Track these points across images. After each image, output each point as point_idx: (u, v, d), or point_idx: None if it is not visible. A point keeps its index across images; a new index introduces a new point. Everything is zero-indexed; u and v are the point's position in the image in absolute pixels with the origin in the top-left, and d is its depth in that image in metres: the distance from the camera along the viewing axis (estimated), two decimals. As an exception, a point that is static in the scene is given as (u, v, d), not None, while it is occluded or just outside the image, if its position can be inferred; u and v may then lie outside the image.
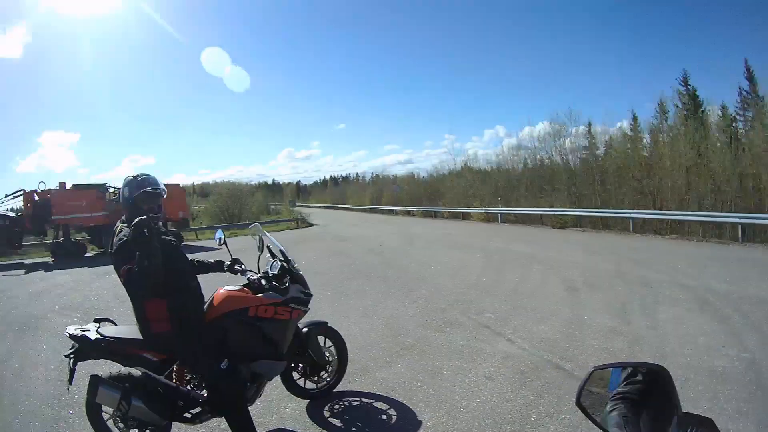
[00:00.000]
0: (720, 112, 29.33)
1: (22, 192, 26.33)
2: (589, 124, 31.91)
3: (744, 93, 31.94)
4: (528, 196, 32.13)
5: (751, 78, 31.33)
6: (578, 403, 1.81)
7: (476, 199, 36.32)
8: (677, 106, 30.71)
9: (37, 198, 25.88)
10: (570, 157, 31.85)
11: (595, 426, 1.76)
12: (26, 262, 24.91)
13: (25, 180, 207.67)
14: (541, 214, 27.95)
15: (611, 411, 1.74)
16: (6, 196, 26.99)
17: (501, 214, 30.57)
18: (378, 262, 16.81)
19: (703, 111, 30.43)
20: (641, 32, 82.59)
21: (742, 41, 62.11)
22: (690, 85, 32.40)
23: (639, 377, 1.78)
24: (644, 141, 29.93)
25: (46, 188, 26.48)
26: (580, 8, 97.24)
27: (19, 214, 27.14)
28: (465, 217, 35.12)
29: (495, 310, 9.49)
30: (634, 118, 32.17)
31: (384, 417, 5.63)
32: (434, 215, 40.04)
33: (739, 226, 17.92)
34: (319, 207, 78.94)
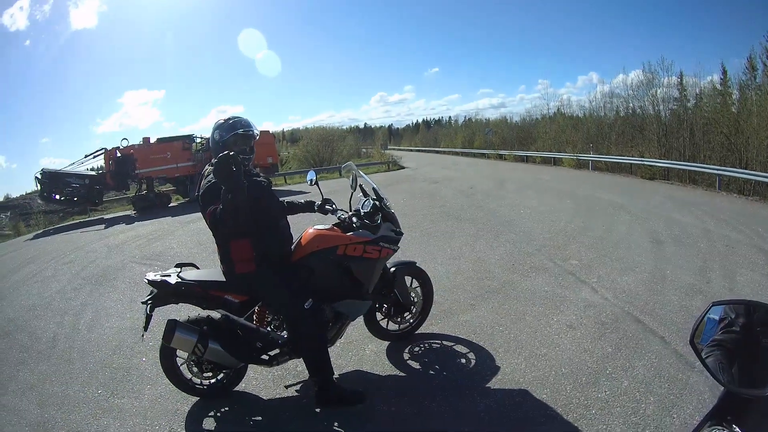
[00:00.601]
0: None
1: (103, 150, 26.72)
2: (681, 76, 30.73)
3: None
4: (618, 144, 31.25)
5: None
6: (692, 342, 1.83)
7: (568, 145, 35.59)
8: (765, 64, 29.45)
9: (119, 155, 26.24)
10: (661, 107, 30.60)
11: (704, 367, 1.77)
12: (107, 216, 25.62)
13: (107, 139, 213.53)
14: (630, 164, 27.05)
15: (708, 356, 1.76)
16: (86, 156, 27.34)
17: (592, 161, 29.86)
18: (468, 205, 16.72)
19: None
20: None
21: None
22: None
23: (736, 328, 1.76)
24: (733, 97, 28.90)
25: (129, 144, 26.90)
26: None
27: (100, 171, 27.63)
28: (556, 162, 34.41)
29: (581, 258, 9.43)
30: (724, 73, 30.96)
31: (463, 361, 5.69)
32: (525, 160, 39.24)
33: None
34: (411, 150, 78.13)
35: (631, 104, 33.28)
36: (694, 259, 9.02)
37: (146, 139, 27.82)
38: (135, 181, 27.45)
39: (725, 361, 1.72)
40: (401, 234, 5.54)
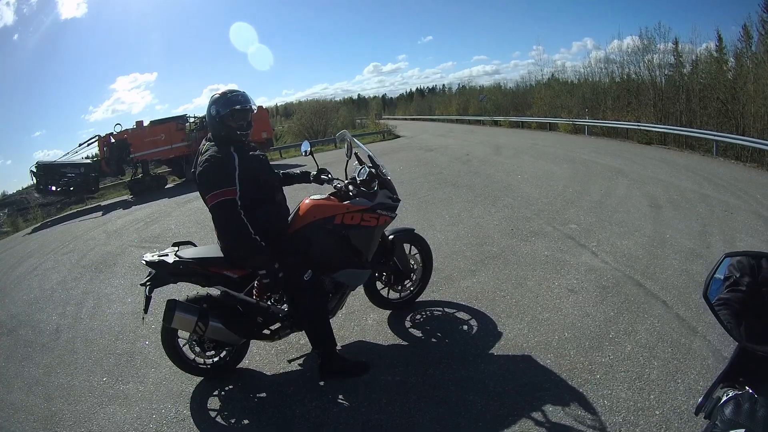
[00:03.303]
0: None
1: (97, 138, 26.55)
2: (676, 42, 30.61)
3: None
4: (614, 110, 31.11)
5: None
6: (705, 296, 1.78)
7: (563, 110, 35.55)
8: (761, 33, 29.40)
9: (113, 140, 26.14)
10: (657, 72, 30.52)
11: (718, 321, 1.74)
12: (104, 203, 25.46)
13: (101, 127, 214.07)
14: (627, 128, 27.11)
15: (719, 306, 1.72)
16: (80, 145, 27.18)
17: (588, 126, 29.88)
18: (465, 171, 16.73)
19: None
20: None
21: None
22: None
23: (742, 287, 1.71)
24: (729, 64, 28.90)
25: (123, 129, 26.72)
26: None
27: (95, 159, 27.54)
28: (552, 128, 34.35)
29: (580, 222, 9.45)
30: (720, 39, 30.96)
31: (465, 327, 5.73)
32: (521, 126, 39.15)
33: None
34: (406, 119, 77.56)
35: (627, 69, 33.12)
36: (693, 224, 9.02)
37: (139, 123, 27.80)
38: (130, 166, 27.36)
39: (734, 320, 1.69)
40: (398, 200, 5.51)
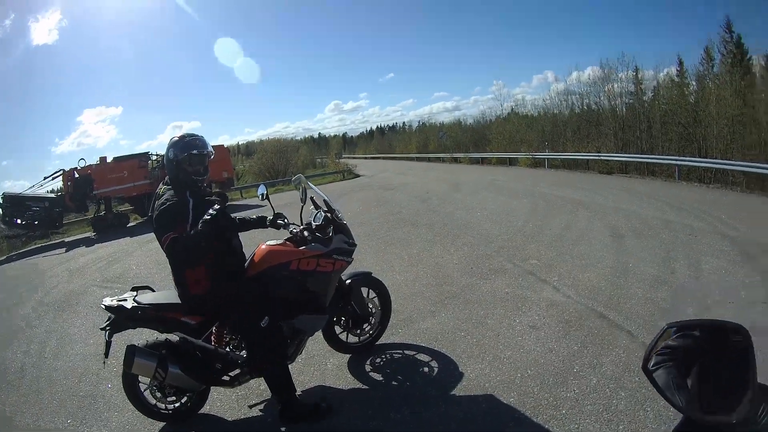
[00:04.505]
0: (764, 62, 28.58)
1: (61, 172, 26.62)
2: (637, 69, 31.42)
3: None
4: (575, 141, 31.76)
5: None
6: (644, 368, 1.69)
7: (523, 144, 35.99)
8: (723, 54, 30.17)
9: (77, 175, 26.21)
10: (618, 101, 31.26)
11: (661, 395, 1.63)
12: (68, 239, 25.42)
13: (66, 160, 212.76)
14: (587, 159, 27.47)
15: (656, 368, 1.65)
16: (45, 178, 27.30)
17: (548, 159, 30.26)
18: (424, 210, 16.83)
19: (749, 59, 29.75)
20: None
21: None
22: (734, 32, 31.83)
23: (696, 332, 1.67)
24: (691, 87, 29.58)
25: (87, 164, 26.87)
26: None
27: (59, 194, 27.51)
28: (512, 162, 34.76)
29: (540, 257, 9.49)
30: (681, 64, 31.76)
31: (426, 369, 5.70)
32: (481, 162, 39.64)
33: None
34: (366, 158, 78.58)
35: (587, 100, 34.08)
36: (656, 251, 9.12)
37: (103, 159, 27.91)
38: (94, 202, 27.49)
39: (677, 391, 1.59)
40: (354, 245, 5.53)
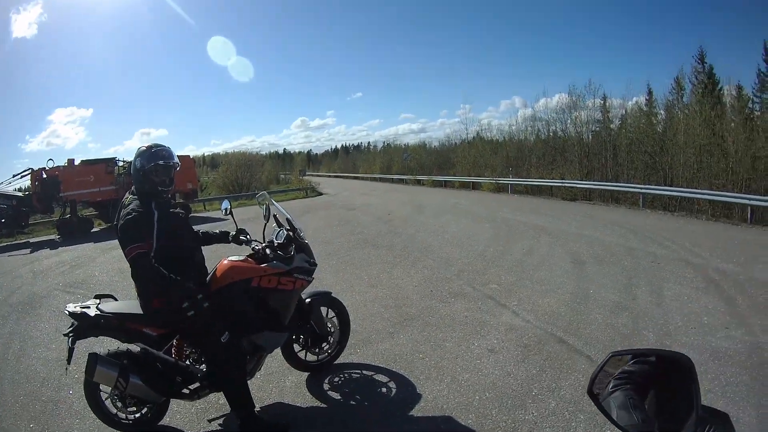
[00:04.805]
0: (736, 92, 29.08)
1: (30, 171, 26.31)
2: (605, 98, 32.00)
3: (762, 75, 32.03)
4: (539, 167, 32.10)
5: None
6: (590, 392, 1.74)
7: (487, 168, 36.40)
8: (693, 84, 30.73)
9: (45, 176, 25.83)
10: (584, 129, 31.81)
11: (606, 417, 1.66)
12: (33, 240, 24.98)
13: (35, 158, 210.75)
14: (551, 186, 27.83)
15: (614, 390, 1.67)
16: (14, 176, 26.86)
17: (511, 184, 30.45)
18: (386, 231, 16.84)
19: (720, 89, 30.18)
20: (662, 7, 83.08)
21: (762, 24, 61.91)
22: (706, 62, 32.47)
23: (652, 358, 1.72)
24: (659, 116, 30.18)
25: (55, 165, 26.47)
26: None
27: (27, 193, 27.20)
28: (475, 187, 34.90)
29: (500, 282, 9.52)
30: (650, 93, 32.33)
31: (384, 390, 5.69)
32: (444, 185, 39.86)
33: (749, 208, 17.60)
34: (330, 176, 78.85)
35: (553, 127, 34.62)
36: (618, 277, 9.23)
37: (71, 161, 27.45)
38: (59, 205, 26.75)
39: (640, 407, 1.62)
40: (315, 265, 5.55)
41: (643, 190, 20.95)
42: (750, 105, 30.16)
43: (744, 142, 23.28)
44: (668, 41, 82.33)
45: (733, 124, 25.46)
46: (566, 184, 26.35)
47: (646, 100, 32.94)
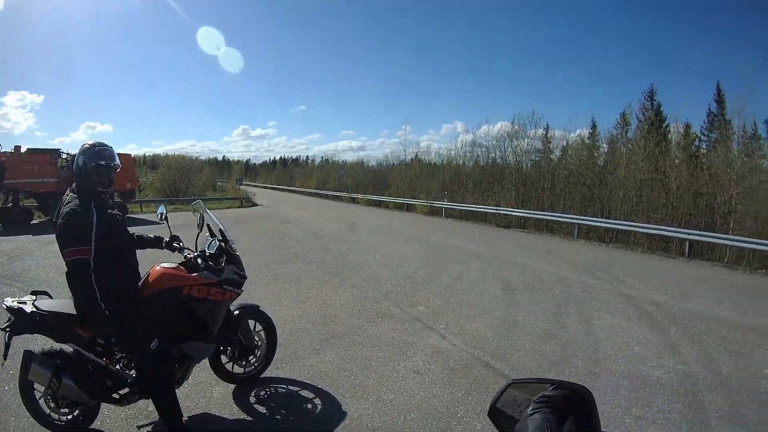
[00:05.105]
0: (683, 130, 30.21)
1: None
2: (547, 128, 32.85)
3: (712, 114, 33.10)
4: (475, 193, 32.46)
5: (720, 101, 32.52)
6: (491, 415, 1.75)
7: (422, 191, 36.73)
8: (640, 120, 31.52)
9: None
10: (524, 158, 32.34)
11: None
12: None
13: None
14: (485, 212, 28.07)
15: (533, 413, 1.63)
16: None
17: (446, 208, 30.80)
18: (317, 247, 16.84)
19: (666, 126, 31.26)
20: (616, 47, 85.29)
21: (712, 66, 64.17)
22: (656, 100, 33.35)
23: (566, 389, 1.68)
24: (601, 150, 30.84)
25: (3, 150, 25.96)
26: (554, 13, 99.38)
27: None
28: (409, 208, 35.26)
29: (429, 304, 9.58)
30: (594, 127, 33.08)
31: (309, 406, 5.68)
32: (379, 204, 40.15)
33: (687, 242, 18.05)
34: (266, 187, 79.15)
35: (493, 154, 35.00)
36: (548, 305, 9.35)
37: (17, 148, 26.93)
38: (2, 192, 26.15)
39: (555, 420, 1.60)
40: (245, 278, 5.53)
41: (579, 221, 21.43)
42: (697, 143, 31.33)
43: (687, 179, 24.16)
44: (619, 80, 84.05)
45: (677, 161, 26.30)
46: (501, 211, 26.63)
47: (590, 133, 33.72)
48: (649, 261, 15.53)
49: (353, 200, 44.97)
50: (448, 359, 6.82)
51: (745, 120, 26.86)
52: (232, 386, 5.98)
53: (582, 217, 22.10)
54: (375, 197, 41.52)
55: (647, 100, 33.54)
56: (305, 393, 5.93)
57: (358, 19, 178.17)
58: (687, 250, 17.67)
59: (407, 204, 35.84)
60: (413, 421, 5.14)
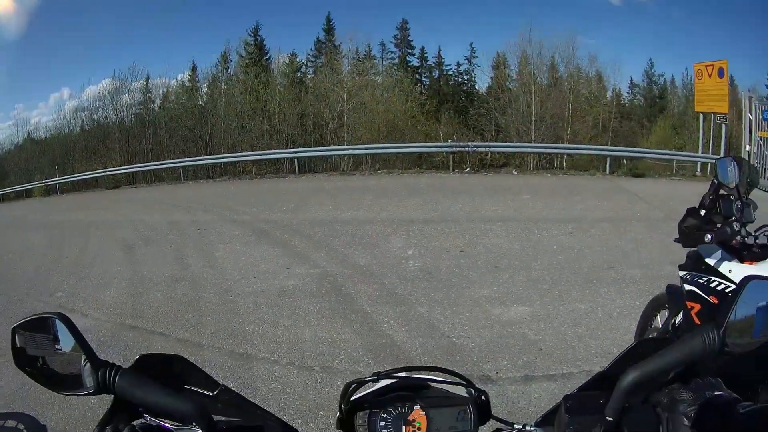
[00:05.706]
0: (288, 59, 31.45)
1: None
2: (147, 78, 32.04)
3: (320, 42, 34.46)
4: (83, 160, 31.72)
5: (329, 30, 33.92)
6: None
7: (37, 172, 34.44)
8: (241, 56, 31.96)
9: None
10: (126, 113, 31.94)
11: None
12: None
13: None
14: (96, 177, 27.68)
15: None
16: None
17: (58, 184, 29.87)
18: None
19: (268, 59, 32.06)
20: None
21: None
22: (260, 35, 33.96)
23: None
24: (201, 90, 31.03)
25: None
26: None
27: None
28: (29, 194, 32.92)
29: (64, 288, 9.32)
30: (194, 69, 32.99)
31: None
32: (2, 199, 36.48)
33: (295, 161, 19.53)
34: None
35: (96, 116, 33.84)
36: (167, 252, 9.83)
37: None
38: None
39: None
40: None
41: (182, 164, 22.49)
42: (303, 69, 32.53)
43: (290, 103, 26.00)
44: (223, 23, 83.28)
45: (280, 88, 27.93)
46: (108, 173, 26.54)
47: (190, 76, 33.37)
48: (259, 185, 16.27)
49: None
50: (98, 334, 6.72)
51: (359, 44, 29.32)
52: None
53: (184, 160, 23.07)
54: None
55: (251, 36, 34.26)
56: None
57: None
58: (296, 168, 18.91)
59: (25, 190, 33.61)
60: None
